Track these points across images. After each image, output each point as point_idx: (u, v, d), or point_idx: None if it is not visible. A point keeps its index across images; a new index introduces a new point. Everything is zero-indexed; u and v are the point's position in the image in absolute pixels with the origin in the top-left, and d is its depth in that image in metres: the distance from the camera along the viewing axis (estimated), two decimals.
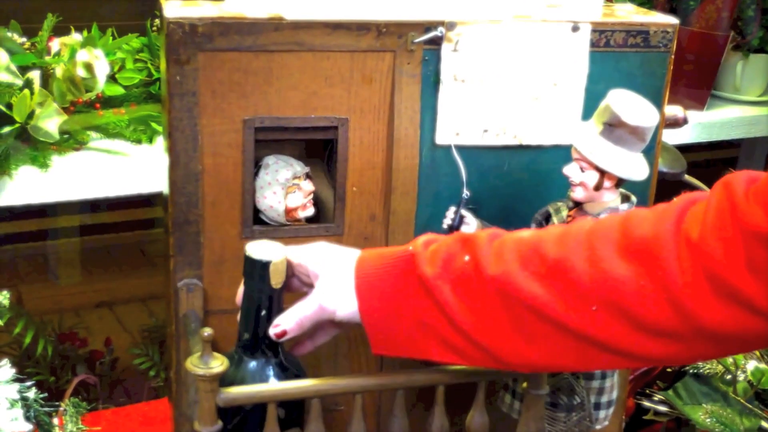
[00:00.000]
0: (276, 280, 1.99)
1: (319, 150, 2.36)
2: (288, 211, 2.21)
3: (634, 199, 2.16)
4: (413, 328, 1.81)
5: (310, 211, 2.25)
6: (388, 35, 2.15)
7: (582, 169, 2.11)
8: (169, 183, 2.14)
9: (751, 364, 2.62)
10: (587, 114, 2.28)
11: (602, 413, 2.22)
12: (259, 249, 2.00)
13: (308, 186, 2.23)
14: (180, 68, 2.06)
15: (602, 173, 2.09)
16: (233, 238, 2.20)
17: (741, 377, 2.75)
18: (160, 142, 2.93)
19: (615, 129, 2.06)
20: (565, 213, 2.19)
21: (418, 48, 2.17)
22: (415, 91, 2.20)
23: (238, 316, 2.04)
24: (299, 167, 2.23)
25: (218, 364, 1.86)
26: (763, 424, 2.68)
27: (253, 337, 2.04)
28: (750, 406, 2.66)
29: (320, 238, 2.24)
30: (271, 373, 2.05)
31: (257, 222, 2.23)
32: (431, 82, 2.21)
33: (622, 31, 2.28)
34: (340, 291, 1.81)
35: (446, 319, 1.76)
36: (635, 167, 2.09)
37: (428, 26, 2.16)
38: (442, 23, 2.16)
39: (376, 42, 2.14)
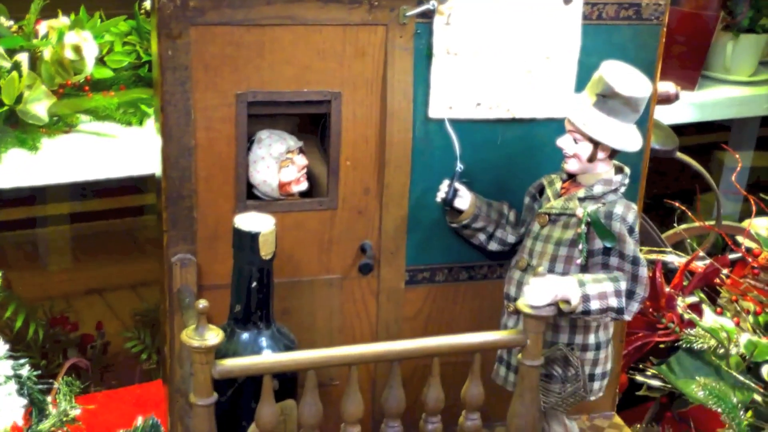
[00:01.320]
0: (265, 251, 1.99)
1: (311, 126, 2.35)
2: (281, 186, 2.21)
3: (627, 170, 2.17)
4: None
5: (304, 185, 2.25)
6: (380, 9, 2.14)
7: (575, 141, 2.11)
8: (162, 158, 2.13)
9: (744, 337, 2.62)
10: (580, 87, 2.28)
11: (597, 384, 2.23)
12: (247, 221, 2.00)
13: (301, 160, 2.23)
14: (172, 42, 2.06)
15: (596, 144, 2.09)
16: (227, 213, 2.20)
17: (734, 351, 2.74)
18: (151, 124, 2.93)
19: (608, 100, 2.06)
20: (558, 185, 2.19)
21: (411, 21, 2.17)
22: (408, 65, 2.20)
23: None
24: (293, 141, 2.22)
25: (214, 335, 1.85)
26: (756, 397, 2.68)
27: (245, 309, 2.05)
28: (743, 379, 2.66)
29: (314, 213, 2.25)
30: (263, 344, 2.06)
31: (250, 197, 2.23)
32: (424, 56, 2.20)
33: (614, 3, 2.28)
34: None
35: None
36: (628, 138, 2.09)
37: None
38: None
39: (369, 15, 2.14)
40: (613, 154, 2.13)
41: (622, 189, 2.14)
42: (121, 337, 3.63)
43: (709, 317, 2.70)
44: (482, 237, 2.30)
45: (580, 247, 2.09)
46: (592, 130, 2.06)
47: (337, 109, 2.18)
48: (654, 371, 2.83)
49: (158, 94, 2.11)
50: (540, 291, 2.00)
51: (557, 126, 2.32)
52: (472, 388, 2.08)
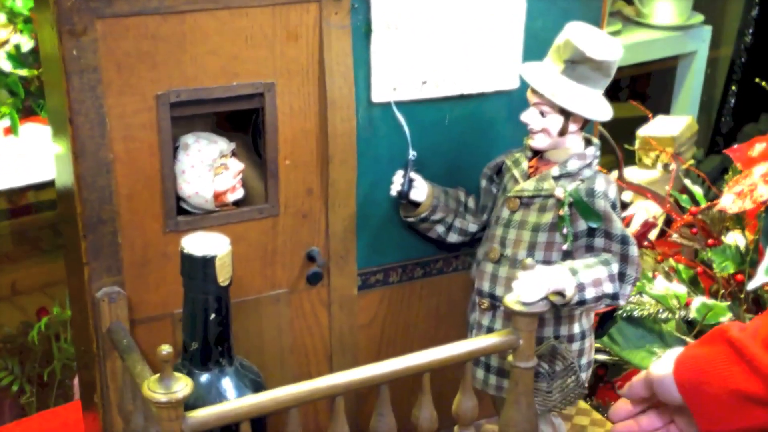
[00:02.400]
0: (223, 276, 1.71)
1: (235, 122, 2.06)
2: (216, 196, 1.91)
3: (596, 141, 1.98)
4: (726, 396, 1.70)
5: (240, 192, 1.96)
6: None
7: (543, 114, 1.91)
8: (74, 178, 1.80)
9: (698, 300, 2.51)
10: (528, 55, 2.08)
11: (584, 375, 2.05)
12: (197, 243, 1.71)
13: (237, 165, 1.94)
14: (76, 41, 1.72)
15: (567, 116, 1.90)
16: (156, 234, 1.89)
17: (670, 316, 2.64)
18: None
19: (577, 66, 1.86)
20: (525, 164, 1.98)
21: None
22: (346, 45, 1.94)
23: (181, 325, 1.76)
24: (224, 144, 1.93)
25: (182, 385, 1.56)
26: None
27: (203, 346, 1.76)
28: (691, 341, 2.55)
29: (254, 223, 1.97)
30: (229, 384, 1.79)
31: (180, 212, 1.92)
32: (362, 33, 1.95)
33: None
34: (662, 358, 1.84)
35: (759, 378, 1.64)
36: (600, 107, 1.90)
37: None
38: None
39: None
40: (584, 125, 1.94)
41: (596, 162, 1.96)
42: None
43: (660, 283, 2.57)
44: (440, 229, 2.07)
45: (564, 231, 1.90)
46: (563, 99, 1.86)
47: (271, 103, 1.90)
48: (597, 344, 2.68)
49: (64, 103, 1.77)
50: (531, 285, 1.79)
51: (507, 99, 2.12)
52: (464, 401, 1.86)
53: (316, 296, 2.08)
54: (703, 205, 2.88)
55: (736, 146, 2.74)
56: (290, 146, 1.95)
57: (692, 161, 3.98)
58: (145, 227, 1.88)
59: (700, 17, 4.31)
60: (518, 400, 1.87)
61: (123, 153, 1.82)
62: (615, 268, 1.88)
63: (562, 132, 1.91)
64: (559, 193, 1.90)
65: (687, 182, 3.03)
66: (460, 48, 2.03)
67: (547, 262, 1.93)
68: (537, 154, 1.99)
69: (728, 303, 2.50)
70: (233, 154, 1.95)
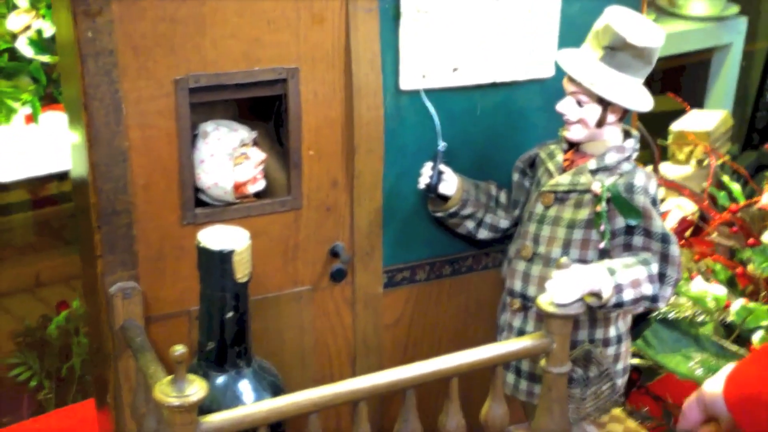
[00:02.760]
0: (241, 272, 1.62)
1: (258, 110, 1.97)
2: (236, 187, 1.82)
3: (635, 132, 1.88)
4: None
5: (261, 183, 1.87)
6: None
7: (580, 104, 1.81)
8: (89, 167, 1.71)
9: (738, 303, 2.40)
10: (564, 41, 1.98)
11: (619, 381, 1.95)
12: (215, 237, 1.62)
13: (258, 154, 1.85)
14: (91, 22, 1.64)
15: (605, 106, 1.79)
16: (173, 226, 1.80)
17: (708, 318, 2.54)
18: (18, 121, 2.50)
19: (617, 53, 1.76)
20: (560, 157, 1.88)
21: None
22: (374, 30, 1.84)
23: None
24: (246, 132, 1.84)
25: (196, 388, 1.47)
26: None
27: (219, 346, 1.67)
28: (735, 349, 2.44)
29: (276, 216, 1.88)
30: (247, 386, 1.69)
31: (198, 204, 1.83)
32: (390, 17, 1.85)
33: None
34: (715, 376, 1.70)
35: None
36: (641, 96, 1.80)
37: None
38: None
39: None
40: (623, 115, 1.83)
41: (635, 155, 1.86)
42: (2, 365, 3.16)
43: (698, 284, 2.46)
44: (470, 225, 1.98)
45: (602, 228, 1.80)
46: (602, 89, 1.76)
47: (294, 90, 1.81)
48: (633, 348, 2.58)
49: (78, 87, 1.69)
50: (567, 285, 1.69)
51: (541, 88, 2.02)
52: (494, 408, 1.76)
53: (340, 294, 1.98)
54: (742, 202, 2.77)
55: None
56: (314, 135, 1.86)
57: (727, 157, 3.86)
58: (161, 219, 1.79)
59: (735, 8, 4.18)
60: (551, 407, 1.77)
61: (139, 141, 1.73)
62: (655, 268, 1.78)
63: (600, 123, 1.81)
64: (596, 187, 1.79)
65: (725, 178, 2.92)
66: (492, 34, 1.93)
67: (582, 260, 1.83)
68: (573, 146, 1.89)
69: None
70: (255, 143, 1.86)
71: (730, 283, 2.66)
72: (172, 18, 1.69)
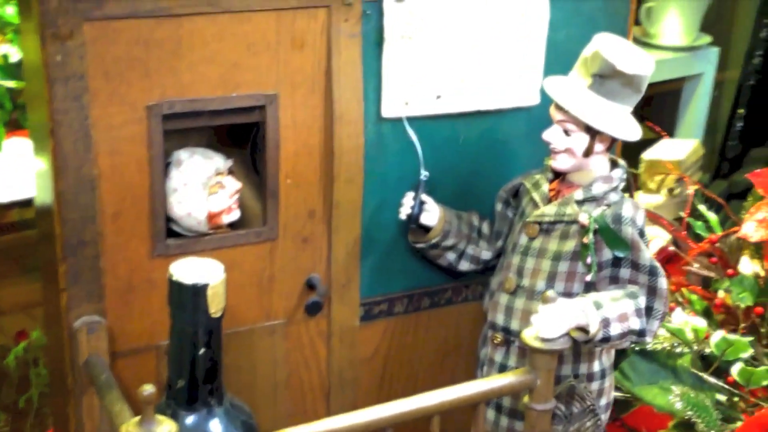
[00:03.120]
0: (215, 307, 1.54)
1: (234, 135, 1.90)
2: (210, 217, 1.75)
3: (622, 162, 1.84)
4: None
5: (236, 214, 1.80)
6: None
7: (567, 133, 1.76)
8: (54, 195, 1.63)
9: (717, 335, 2.36)
10: (549, 69, 1.93)
11: (603, 417, 1.89)
12: (187, 270, 1.54)
13: (233, 184, 1.78)
14: (61, 45, 1.56)
15: (593, 135, 1.75)
16: (142, 258, 1.73)
17: (686, 350, 2.50)
18: None
19: (606, 81, 1.72)
20: (546, 187, 1.83)
21: (357, 1, 1.75)
22: (356, 55, 1.78)
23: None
24: (221, 161, 1.77)
25: (165, 429, 1.40)
26: (719, 396, 2.44)
27: (190, 384, 1.59)
28: (714, 381, 2.40)
29: (250, 247, 1.81)
30: (218, 426, 1.61)
31: (169, 234, 1.76)
32: (373, 43, 1.80)
33: None
34: None
35: None
36: (630, 125, 1.76)
37: None
38: None
39: None
40: (611, 145, 1.79)
41: (622, 185, 1.81)
42: None
43: (679, 316, 2.41)
44: (452, 257, 1.92)
45: (588, 260, 1.75)
46: (590, 117, 1.71)
47: (273, 116, 1.75)
48: None
49: (44, 114, 1.61)
50: (553, 320, 1.63)
51: (526, 116, 1.97)
52: None
53: (315, 328, 1.92)
54: (719, 232, 2.74)
55: (759, 171, 2.59)
56: (292, 163, 1.79)
57: (698, 186, 3.84)
58: (130, 251, 1.71)
59: (707, 38, 4.18)
60: None
61: (109, 169, 1.66)
62: (642, 302, 1.73)
63: (588, 152, 1.76)
64: (584, 218, 1.74)
65: (702, 208, 2.89)
66: (477, 61, 1.88)
67: (567, 293, 1.77)
68: (558, 176, 1.84)
69: (750, 339, 2.35)
70: (230, 171, 1.79)
71: (706, 314, 2.62)
72: (147, 41, 1.62)
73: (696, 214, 2.90)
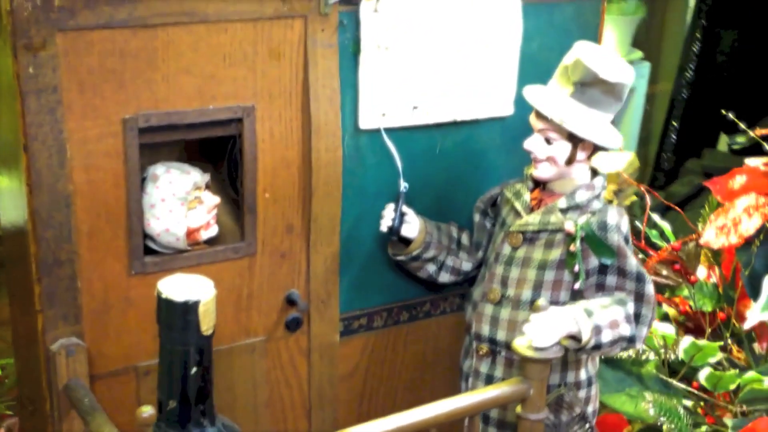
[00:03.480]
0: (207, 324, 1.49)
1: (205, 152, 1.85)
2: (189, 233, 1.70)
3: (603, 171, 1.83)
4: None
5: (214, 229, 1.75)
6: None
7: (549, 141, 1.74)
8: (28, 213, 1.57)
9: (686, 341, 2.37)
10: (523, 79, 1.92)
11: (592, 423, 1.88)
12: (176, 287, 1.48)
13: (212, 198, 1.73)
14: (33, 57, 1.50)
15: (576, 143, 1.74)
16: (119, 277, 1.67)
17: (654, 357, 2.51)
18: None
19: (588, 89, 1.71)
20: (528, 196, 1.81)
21: (334, 11, 1.72)
22: (333, 66, 1.75)
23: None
24: (198, 175, 1.72)
25: None
26: (685, 402, 2.45)
27: (182, 404, 1.53)
28: (683, 387, 2.40)
29: (228, 263, 1.76)
30: None
31: (146, 252, 1.70)
32: (350, 53, 1.77)
33: None
34: None
35: None
36: (611, 133, 1.75)
37: None
38: None
39: (284, 6, 1.67)
40: (593, 153, 1.78)
41: (603, 194, 1.80)
42: None
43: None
44: (432, 269, 1.89)
45: (576, 268, 1.73)
46: (573, 125, 1.70)
47: (250, 129, 1.71)
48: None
49: (15, 129, 1.55)
50: (545, 328, 1.61)
51: (500, 127, 1.96)
52: None
53: (295, 344, 1.87)
54: (673, 241, 2.76)
55: (715, 179, 2.62)
56: (270, 177, 1.75)
57: (634, 197, 3.89)
58: (106, 269, 1.65)
59: (638, 53, 4.25)
60: None
61: (84, 185, 1.60)
62: (631, 308, 1.72)
63: (570, 161, 1.75)
64: (570, 226, 1.73)
65: (656, 218, 2.91)
66: (452, 71, 1.86)
67: (554, 302, 1.75)
68: (538, 185, 1.82)
69: (720, 343, 2.36)
70: (207, 186, 1.74)
71: (666, 320, 2.64)
72: (122, 51, 1.57)
73: (651, 223, 2.92)
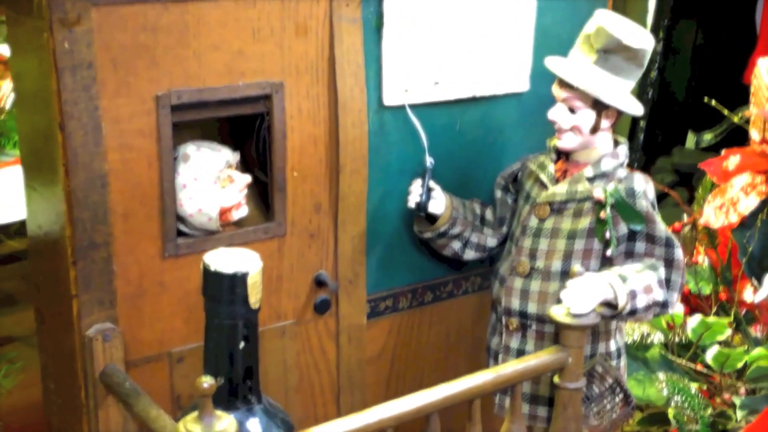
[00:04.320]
0: (255, 297, 1.46)
1: (227, 132, 1.83)
2: (222, 213, 1.67)
3: (623, 139, 1.84)
4: None
5: (245, 209, 1.72)
6: None
7: (573, 110, 1.75)
8: (64, 195, 1.53)
9: (695, 319, 2.38)
10: (538, 53, 1.93)
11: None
12: (223, 259, 1.46)
13: (243, 177, 1.71)
14: (68, 32, 1.48)
15: (599, 111, 1.75)
16: (153, 260, 1.63)
17: (662, 338, 2.52)
18: None
19: (611, 56, 1.72)
20: (552, 167, 1.82)
21: None
22: (357, 41, 1.75)
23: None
24: (229, 153, 1.70)
25: (226, 423, 1.32)
26: (692, 384, 2.46)
27: (229, 381, 1.50)
28: (692, 366, 2.42)
29: (258, 244, 1.73)
30: (257, 426, 1.53)
31: (178, 234, 1.67)
32: (373, 28, 1.76)
33: None
34: None
35: None
36: (634, 100, 1.77)
37: None
38: None
39: None
40: (616, 121, 1.79)
41: (626, 161, 1.82)
42: None
43: None
44: (457, 246, 1.88)
45: (607, 234, 1.74)
46: (600, 91, 1.71)
47: (279, 105, 1.69)
48: None
49: (53, 105, 1.51)
50: (583, 294, 1.62)
51: (516, 102, 1.97)
52: (514, 429, 1.66)
53: (324, 327, 1.85)
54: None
55: (710, 160, 2.65)
56: (298, 155, 1.74)
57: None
58: (141, 252, 1.62)
59: None
60: (567, 425, 1.69)
61: (118, 164, 1.57)
62: (662, 273, 1.73)
63: (594, 129, 1.76)
64: (599, 194, 1.74)
65: None
66: (471, 46, 1.86)
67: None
68: (561, 156, 1.83)
69: (729, 319, 2.38)
70: (237, 165, 1.72)
71: None
72: (153, 27, 1.55)
73: None
